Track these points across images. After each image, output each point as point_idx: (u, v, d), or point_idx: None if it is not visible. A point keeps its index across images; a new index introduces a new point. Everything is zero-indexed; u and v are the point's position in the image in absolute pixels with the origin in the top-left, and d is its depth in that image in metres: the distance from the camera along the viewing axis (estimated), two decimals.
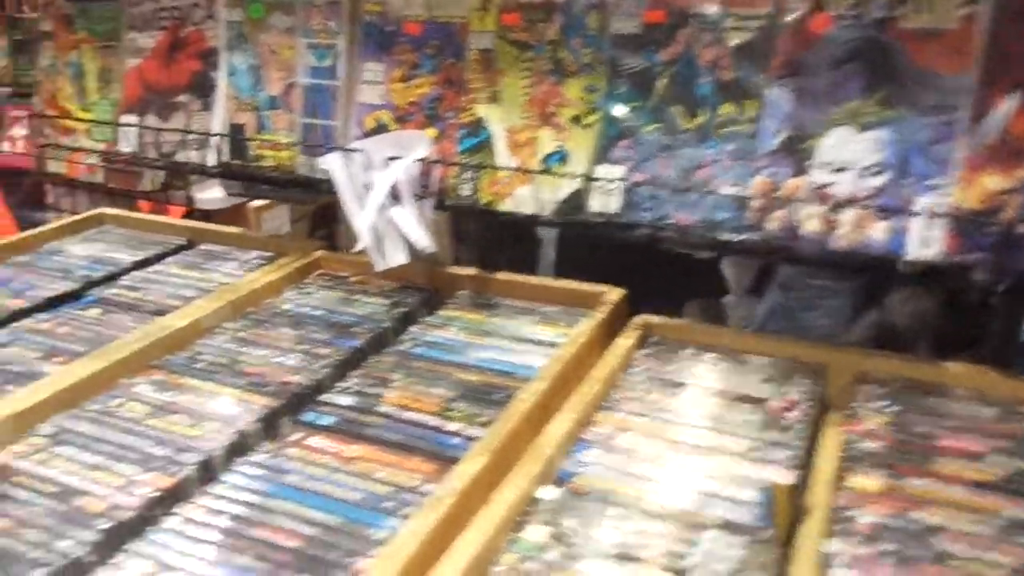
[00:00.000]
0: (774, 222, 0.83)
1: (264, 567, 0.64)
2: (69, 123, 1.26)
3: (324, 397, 0.89)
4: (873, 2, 0.77)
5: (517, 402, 0.82)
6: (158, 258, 1.30)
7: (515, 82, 0.94)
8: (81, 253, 1.33)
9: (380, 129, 1.03)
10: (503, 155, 0.96)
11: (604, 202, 0.90)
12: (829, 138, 0.80)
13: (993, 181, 0.74)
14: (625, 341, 0.97)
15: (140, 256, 1.30)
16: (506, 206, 0.96)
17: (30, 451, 0.80)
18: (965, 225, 0.74)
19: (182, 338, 1.02)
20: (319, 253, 1.25)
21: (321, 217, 2.66)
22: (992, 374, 0.86)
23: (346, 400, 0.88)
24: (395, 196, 1.00)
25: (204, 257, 1.31)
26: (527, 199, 0.94)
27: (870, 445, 0.78)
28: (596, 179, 0.89)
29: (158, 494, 0.73)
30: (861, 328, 1.07)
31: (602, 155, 0.90)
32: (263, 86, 1.12)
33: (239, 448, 0.80)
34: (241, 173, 1.19)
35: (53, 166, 2.39)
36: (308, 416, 0.85)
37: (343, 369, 0.96)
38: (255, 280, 1.16)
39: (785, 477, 0.74)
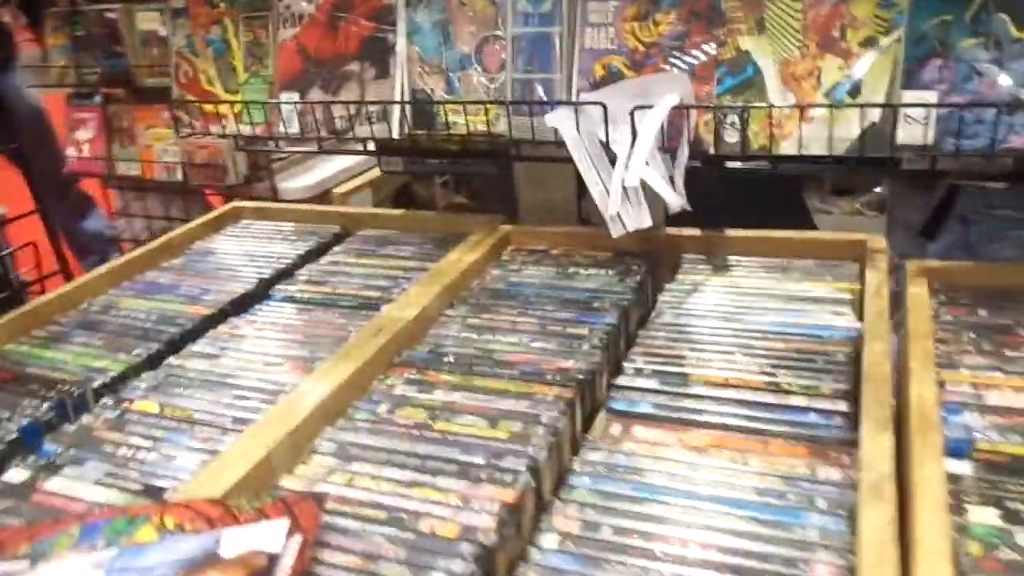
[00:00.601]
0: None
1: None
2: (217, 108, 1.14)
3: (620, 381, 0.78)
4: None
5: (871, 368, 0.72)
6: (322, 249, 1.20)
7: (787, 6, 0.83)
8: (236, 250, 1.22)
9: (612, 77, 0.92)
10: (776, 92, 0.84)
11: (913, 132, 0.78)
12: None
13: None
14: (918, 290, 0.87)
15: (301, 249, 1.19)
16: (786, 149, 0.85)
17: (326, 472, 0.69)
18: None
19: (414, 331, 0.91)
20: (507, 227, 1.15)
21: (403, 197, 2.56)
22: None
23: (650, 383, 0.77)
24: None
25: (372, 243, 1.20)
26: (813, 139, 0.83)
27: None
28: (904, 105, 0.77)
29: (507, 509, 0.62)
30: None
31: (907, 79, 0.79)
32: (452, 44, 1.00)
33: (558, 447, 0.70)
34: (424, 145, 1.07)
35: (123, 168, 2.27)
36: (618, 404, 0.75)
37: (614, 348, 0.86)
38: (456, 262, 1.05)
39: None
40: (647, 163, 0.87)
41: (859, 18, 0.80)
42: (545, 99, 0.94)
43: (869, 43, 0.80)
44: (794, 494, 0.61)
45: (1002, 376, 0.73)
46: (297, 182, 2.20)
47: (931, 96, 0.77)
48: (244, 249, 1.22)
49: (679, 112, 0.87)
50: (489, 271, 1.05)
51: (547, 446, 0.69)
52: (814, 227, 1.78)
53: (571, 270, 1.03)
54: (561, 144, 0.94)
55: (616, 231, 0.93)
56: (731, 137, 0.86)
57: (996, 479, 0.61)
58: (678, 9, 0.88)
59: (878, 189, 3.05)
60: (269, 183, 2.13)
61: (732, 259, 1.00)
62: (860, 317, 0.84)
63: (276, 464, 0.70)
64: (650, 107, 0.87)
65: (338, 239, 1.23)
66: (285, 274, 1.12)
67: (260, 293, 1.07)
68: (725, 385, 0.75)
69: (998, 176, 0.85)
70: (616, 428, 0.72)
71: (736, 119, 0.85)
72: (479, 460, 0.68)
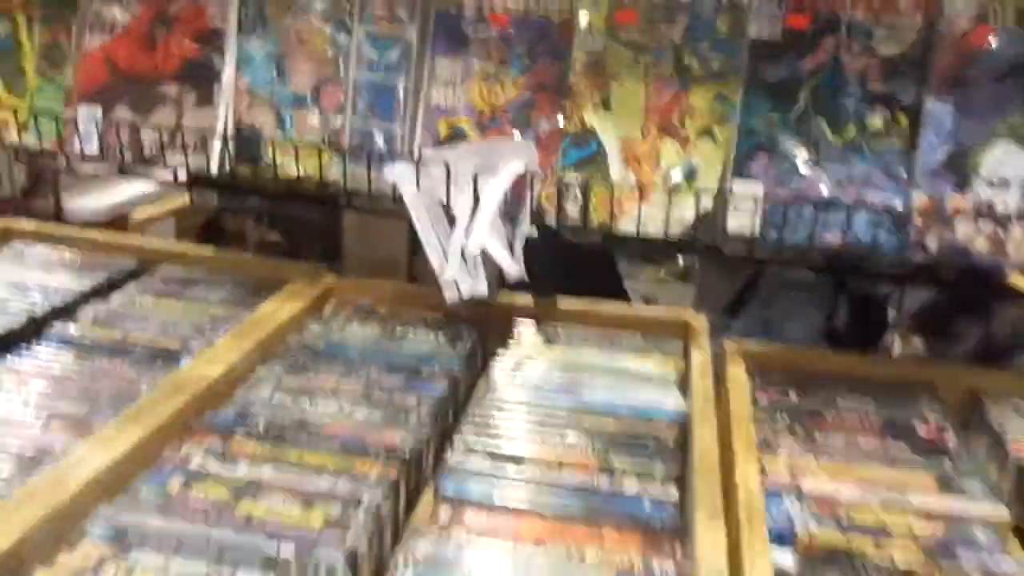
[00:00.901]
0: (936, 242, 0.79)
1: None
2: None
3: (450, 460, 0.73)
4: None
5: (701, 453, 0.72)
6: (113, 285, 1.05)
7: (631, 88, 0.84)
8: (2, 279, 1.04)
9: (456, 137, 0.88)
10: (617, 170, 0.85)
11: (741, 222, 0.82)
12: (992, 153, 0.78)
13: None
14: (737, 370, 0.90)
15: (87, 283, 1.04)
16: (624, 227, 0.85)
17: (95, 563, 0.58)
18: None
19: (219, 390, 0.81)
20: (330, 278, 1.07)
21: (211, 231, 2.36)
22: None
23: (482, 464, 0.73)
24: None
25: (175, 283, 1.07)
26: (650, 219, 0.84)
27: None
28: (734, 195, 0.81)
29: None
30: (966, 342, 1.07)
31: (737, 170, 0.82)
32: (286, 80, 0.93)
33: (379, 534, 0.63)
34: (247, 183, 0.98)
35: None
36: (448, 487, 0.69)
37: (445, 422, 0.81)
38: (272, 313, 0.96)
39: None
40: (494, 228, 0.84)
41: (697, 108, 0.83)
42: (385, 150, 0.89)
43: (705, 132, 0.83)
44: None
45: (815, 461, 0.77)
46: (87, 203, 1.97)
47: (758, 188, 0.81)
48: (12, 277, 1.04)
49: (522, 180, 0.85)
50: (309, 326, 0.97)
51: (368, 534, 0.62)
52: (627, 298, 1.85)
53: (399, 331, 0.97)
54: (397, 199, 0.89)
55: (451, 297, 0.89)
56: (573, 211, 0.85)
57: (818, 570, 0.63)
58: (526, 76, 0.87)
59: (680, 259, 3.26)
60: (52, 201, 1.90)
61: (562, 330, 0.99)
62: (685, 395, 0.85)
63: (31, 551, 0.57)
64: (494, 172, 0.84)
65: (133, 274, 1.09)
66: (63, 312, 0.97)
67: (29, 333, 0.91)
68: (559, 467, 0.72)
69: (809, 266, 0.90)
70: (445, 513, 0.66)
71: (579, 193, 0.85)
72: (289, 550, 0.60)
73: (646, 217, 0.84)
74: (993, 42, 0.77)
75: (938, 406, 0.87)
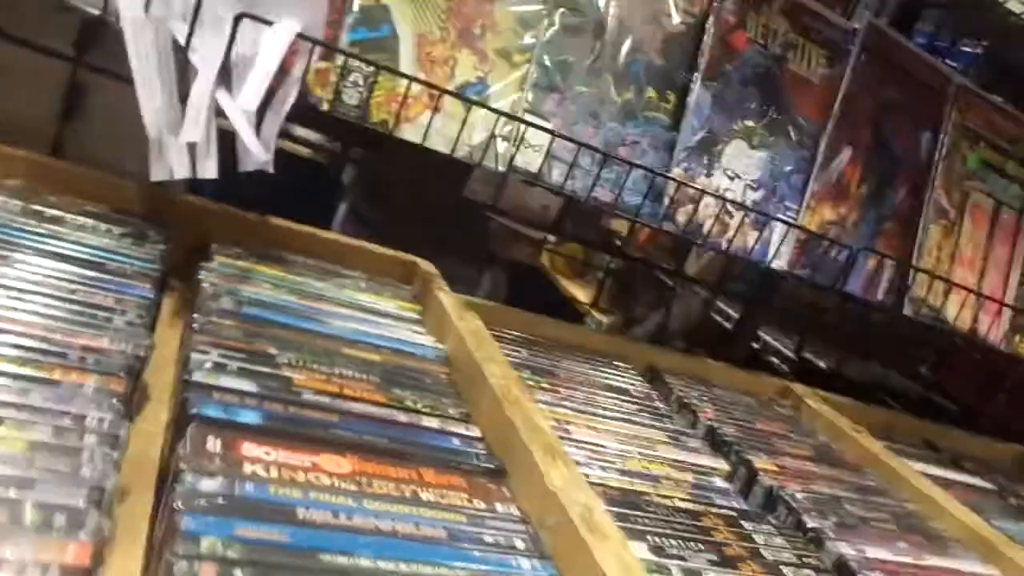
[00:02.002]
0: (684, 217, 0.84)
1: None
2: None
3: (197, 377, 0.52)
4: (776, 40, 0.87)
5: (503, 392, 0.64)
6: None
7: None
8: None
9: None
10: (409, 66, 0.72)
11: (528, 159, 0.76)
12: (731, 147, 0.86)
13: (827, 213, 0.91)
14: (474, 321, 0.84)
15: None
16: (408, 134, 0.72)
17: None
18: (807, 244, 0.90)
19: None
20: None
21: None
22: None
23: (245, 384, 0.53)
24: (221, 78, 0.65)
25: None
26: (439, 132, 0.73)
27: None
28: (526, 129, 0.75)
29: None
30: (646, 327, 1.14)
31: (531, 104, 0.77)
32: None
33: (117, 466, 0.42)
34: None
35: None
36: (210, 410, 0.49)
37: (151, 339, 0.59)
38: None
39: None
40: (244, 97, 0.65)
41: (500, 26, 0.76)
42: None
43: (503, 55, 0.76)
44: (489, 536, 0.48)
45: (572, 414, 0.75)
46: None
47: (549, 127, 0.77)
48: None
49: (294, 45, 0.67)
50: None
51: (112, 465, 0.40)
52: None
53: (51, 213, 0.68)
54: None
55: (161, 173, 0.65)
56: (351, 100, 0.70)
57: (623, 512, 0.60)
58: None
59: None
60: None
61: (272, 250, 0.81)
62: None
63: None
64: (263, 21, 0.65)
65: None
66: None
67: None
68: (341, 396, 0.57)
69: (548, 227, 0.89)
70: (214, 443, 0.46)
71: (361, 79, 0.70)
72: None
73: (435, 128, 0.73)
74: (746, 48, 0.86)
75: (634, 374, 0.92)
